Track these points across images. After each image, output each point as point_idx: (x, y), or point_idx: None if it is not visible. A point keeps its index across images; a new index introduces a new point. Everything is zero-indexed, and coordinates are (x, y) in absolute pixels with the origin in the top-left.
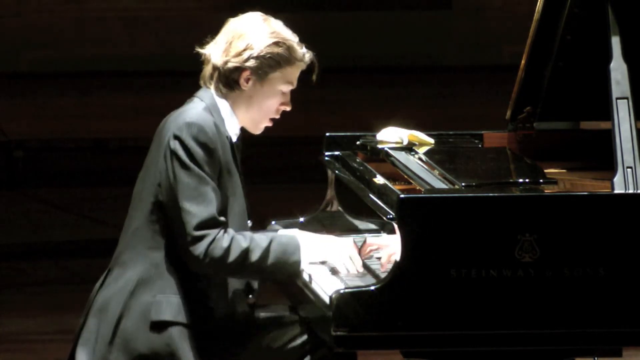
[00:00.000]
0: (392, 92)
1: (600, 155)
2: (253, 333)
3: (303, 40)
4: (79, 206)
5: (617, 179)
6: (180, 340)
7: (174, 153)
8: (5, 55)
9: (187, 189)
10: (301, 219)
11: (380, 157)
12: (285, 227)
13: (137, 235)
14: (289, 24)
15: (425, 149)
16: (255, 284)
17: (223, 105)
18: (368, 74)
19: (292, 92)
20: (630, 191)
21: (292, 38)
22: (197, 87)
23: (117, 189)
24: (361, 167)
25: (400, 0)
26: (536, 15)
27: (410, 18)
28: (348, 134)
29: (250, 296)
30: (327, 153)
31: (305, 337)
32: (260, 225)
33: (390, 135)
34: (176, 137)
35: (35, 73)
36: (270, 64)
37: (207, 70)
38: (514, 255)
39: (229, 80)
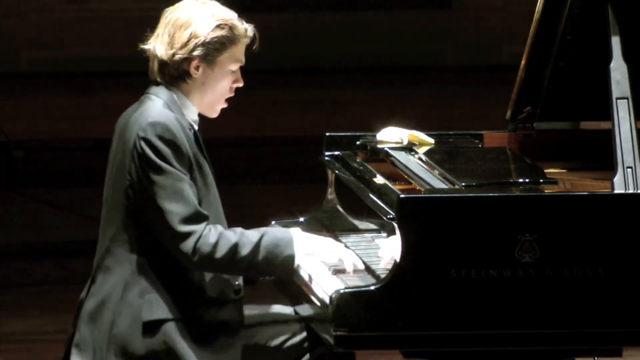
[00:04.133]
0: (392, 92)
1: (600, 155)
2: (252, 331)
3: (303, 40)
4: (79, 206)
5: (617, 179)
6: (176, 335)
7: (142, 155)
8: (5, 55)
9: (163, 190)
10: (301, 219)
11: (380, 157)
12: (286, 227)
13: (116, 241)
14: (290, 24)
15: (425, 149)
16: None
17: (179, 96)
18: (368, 74)
19: (292, 92)
20: (630, 191)
21: (232, 17)
22: None
23: None
24: (361, 167)
25: (400, 0)
26: (536, 15)
27: (410, 18)
28: (348, 134)
29: (237, 282)
30: (327, 153)
31: (304, 335)
32: (260, 225)
33: (390, 135)
34: (142, 138)
35: (35, 73)
36: (216, 47)
37: (155, 65)
38: (514, 255)
39: (180, 72)
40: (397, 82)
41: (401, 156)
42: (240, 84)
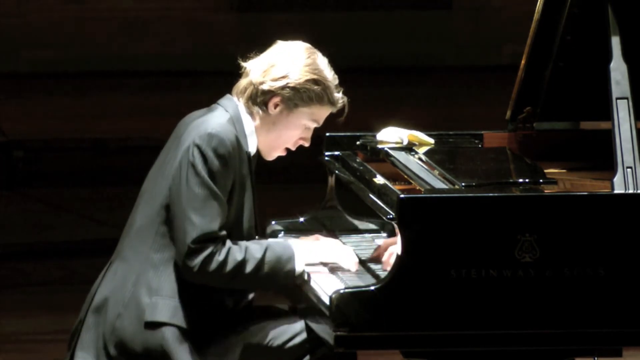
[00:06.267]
0: (392, 92)
1: (600, 155)
2: (252, 333)
3: (303, 40)
4: (79, 206)
5: (617, 179)
6: (173, 341)
7: (191, 162)
8: (5, 55)
9: (196, 200)
10: (301, 219)
11: (380, 157)
12: (286, 227)
13: (140, 234)
14: (290, 24)
15: (425, 149)
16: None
17: (247, 120)
18: (368, 74)
19: None
20: (630, 191)
21: (331, 80)
22: (196, 87)
23: (117, 189)
24: (361, 167)
25: (400, 0)
26: (536, 15)
27: (410, 18)
28: (348, 134)
29: (250, 296)
30: (327, 153)
31: (304, 336)
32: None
33: (390, 135)
34: (196, 146)
35: (35, 73)
36: (302, 97)
37: (243, 83)
38: (514, 255)
39: (259, 101)
40: (397, 82)
41: (401, 156)
42: (307, 144)
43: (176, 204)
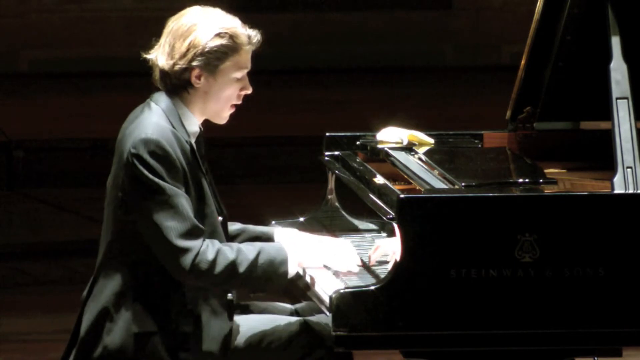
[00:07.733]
0: (392, 92)
1: (600, 155)
2: (250, 334)
3: (303, 40)
4: (79, 206)
5: (617, 179)
6: (165, 349)
7: (134, 172)
8: (5, 55)
9: (159, 206)
10: (301, 219)
11: (380, 157)
12: (286, 227)
13: (112, 249)
14: (290, 24)
15: (425, 149)
16: None
17: (179, 106)
18: (368, 74)
19: (292, 93)
20: (630, 191)
21: (234, 24)
22: None
23: None
24: (361, 167)
25: (400, 0)
26: (536, 16)
27: (410, 18)
28: (348, 134)
29: (230, 295)
30: (327, 153)
31: (304, 336)
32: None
33: (390, 135)
34: (134, 155)
35: (35, 73)
36: (217, 56)
37: (157, 75)
38: (514, 255)
39: (181, 82)
40: (397, 82)
41: (401, 156)
42: (248, 91)
43: (143, 219)
